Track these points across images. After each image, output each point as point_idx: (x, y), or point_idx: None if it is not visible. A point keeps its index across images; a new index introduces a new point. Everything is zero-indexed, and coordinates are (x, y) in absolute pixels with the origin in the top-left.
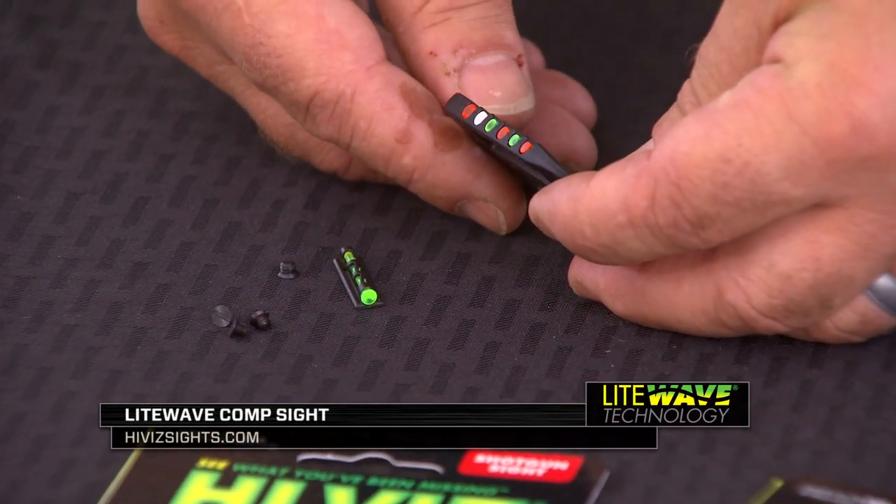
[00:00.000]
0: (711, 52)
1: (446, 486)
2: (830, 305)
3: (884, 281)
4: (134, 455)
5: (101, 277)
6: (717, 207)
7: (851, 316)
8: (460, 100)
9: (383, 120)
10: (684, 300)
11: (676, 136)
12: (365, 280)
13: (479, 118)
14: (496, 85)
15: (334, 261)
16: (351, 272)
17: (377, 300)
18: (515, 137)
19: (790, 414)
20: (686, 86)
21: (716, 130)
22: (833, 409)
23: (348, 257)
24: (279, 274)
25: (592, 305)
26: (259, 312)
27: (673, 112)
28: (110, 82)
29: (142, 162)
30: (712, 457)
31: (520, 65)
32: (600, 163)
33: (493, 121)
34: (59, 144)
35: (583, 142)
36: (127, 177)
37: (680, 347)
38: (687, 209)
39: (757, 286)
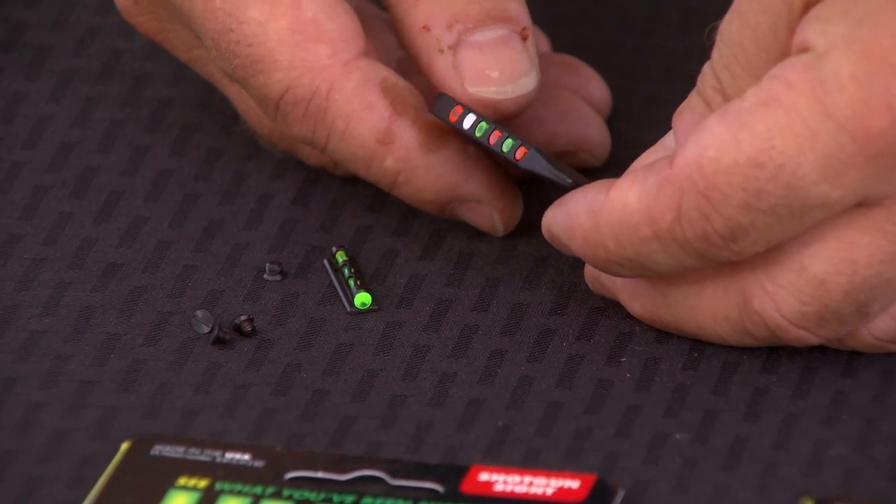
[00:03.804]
0: (735, 29)
1: None
2: (867, 312)
3: None
4: (106, 473)
5: (71, 279)
6: (751, 217)
7: (890, 323)
8: (446, 101)
9: (362, 119)
10: (707, 305)
11: (701, 141)
12: (358, 282)
13: (468, 121)
14: (494, 63)
15: (325, 261)
16: (343, 273)
17: (372, 304)
18: (509, 142)
19: (821, 428)
20: (706, 68)
21: (744, 132)
22: (868, 422)
23: (340, 257)
24: (265, 275)
25: (606, 310)
26: (243, 317)
27: (693, 99)
28: (80, 67)
29: (115, 154)
30: (737, 475)
31: (524, 38)
32: (616, 155)
33: (483, 123)
34: (25, 134)
35: (595, 131)
36: (99, 170)
37: (702, 355)
38: (717, 221)
39: (787, 291)
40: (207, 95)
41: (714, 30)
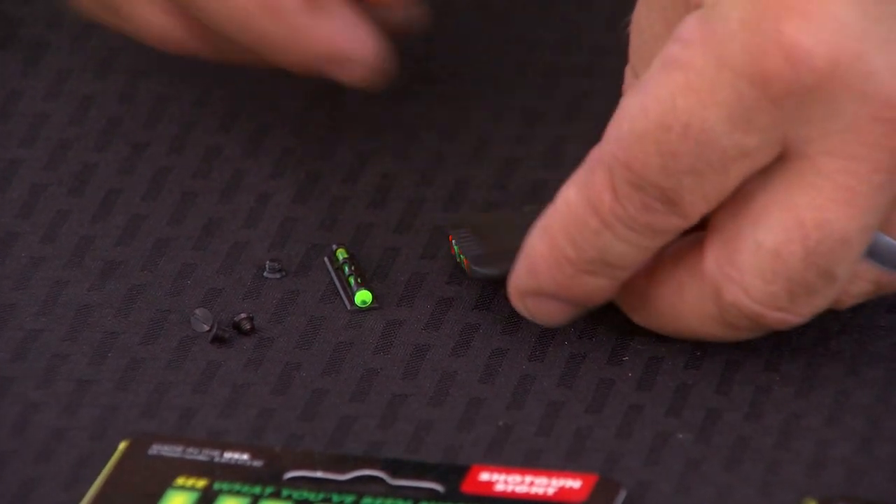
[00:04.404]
0: (644, 16)
1: None
2: (834, 277)
3: (884, 242)
4: (103, 473)
5: (69, 278)
6: (676, 178)
7: (865, 286)
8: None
9: None
10: (689, 308)
11: (617, 118)
12: (359, 280)
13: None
14: None
15: (325, 259)
16: (344, 271)
17: (372, 302)
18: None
19: (824, 428)
20: (627, 71)
21: (649, 99)
22: (871, 422)
23: (341, 255)
24: (265, 273)
25: (608, 308)
26: (242, 316)
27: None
28: (77, 64)
29: (113, 151)
30: (739, 475)
31: None
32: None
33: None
34: (22, 132)
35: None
36: (97, 168)
37: (704, 354)
38: (648, 189)
39: (751, 274)
40: (206, 93)
41: (628, 24)
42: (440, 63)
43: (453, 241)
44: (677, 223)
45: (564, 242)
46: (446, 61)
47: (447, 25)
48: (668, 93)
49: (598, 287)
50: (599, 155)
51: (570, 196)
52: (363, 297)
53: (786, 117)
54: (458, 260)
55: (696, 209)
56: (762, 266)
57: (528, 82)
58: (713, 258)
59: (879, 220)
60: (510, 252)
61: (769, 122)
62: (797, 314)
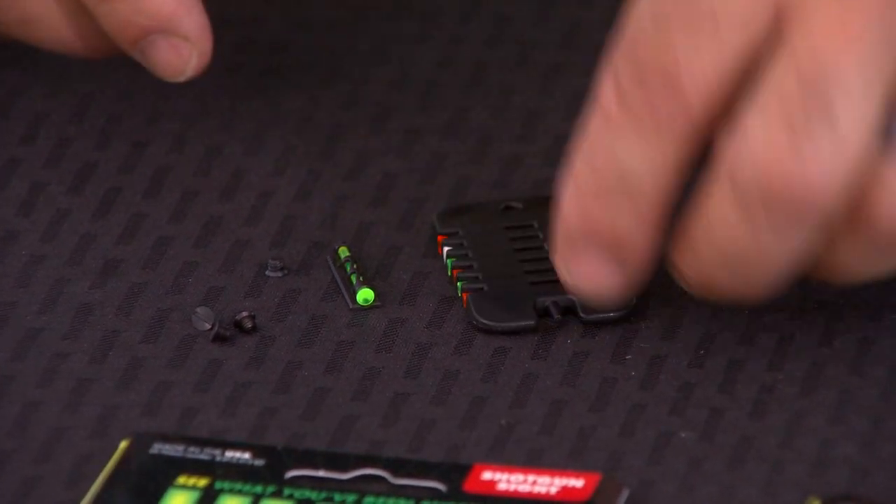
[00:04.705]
0: None
1: None
2: (834, 116)
3: None
4: (104, 473)
5: (70, 276)
6: (671, 48)
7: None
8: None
9: None
10: (714, 217)
11: (620, 30)
12: (361, 278)
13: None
14: None
15: (328, 257)
16: (346, 269)
17: (375, 300)
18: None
19: (828, 427)
20: None
21: None
22: (876, 421)
23: (343, 253)
24: (266, 272)
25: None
26: (244, 314)
27: None
28: (77, 61)
29: (113, 149)
30: (742, 474)
31: None
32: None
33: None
34: (22, 130)
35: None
36: (97, 166)
37: (707, 353)
38: (649, 75)
39: (753, 132)
40: (206, 91)
41: None
42: (441, 60)
43: (444, 249)
44: (681, 113)
45: (585, 170)
46: (447, 58)
47: (447, 24)
48: None
49: (624, 221)
50: (608, 61)
51: (588, 121)
52: (365, 295)
53: None
54: (448, 272)
55: (697, 90)
56: (763, 118)
57: (529, 80)
58: (720, 148)
59: (885, 66)
60: (509, 298)
61: None
62: (801, 162)
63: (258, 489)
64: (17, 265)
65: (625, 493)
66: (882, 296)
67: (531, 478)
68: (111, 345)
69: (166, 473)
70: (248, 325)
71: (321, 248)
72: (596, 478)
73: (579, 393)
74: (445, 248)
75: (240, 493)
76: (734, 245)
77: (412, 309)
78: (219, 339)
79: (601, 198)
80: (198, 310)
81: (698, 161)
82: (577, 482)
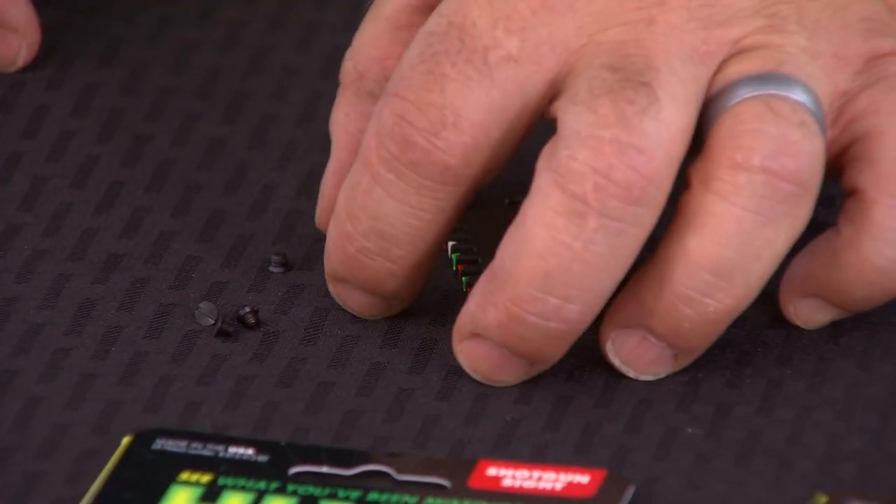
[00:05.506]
0: None
1: (454, 502)
2: (644, 78)
3: None
4: (107, 468)
5: (72, 271)
6: (440, 86)
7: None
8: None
9: None
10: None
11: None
12: None
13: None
14: None
15: None
16: None
17: None
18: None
19: (836, 422)
20: None
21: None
22: (883, 416)
23: None
24: (269, 267)
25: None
26: (247, 309)
27: None
28: (80, 54)
29: (116, 143)
30: (749, 470)
31: None
32: None
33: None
34: (24, 124)
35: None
36: (99, 160)
37: (714, 347)
38: (411, 112)
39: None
40: (209, 84)
41: None
42: None
43: (448, 244)
44: (439, 160)
45: (344, 216)
46: None
47: None
48: (448, 7)
49: (380, 271)
50: (375, 111)
51: (353, 165)
52: None
53: (542, 21)
54: (454, 268)
55: (455, 140)
56: (582, 103)
57: None
58: (542, 160)
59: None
60: None
61: (525, 25)
62: (630, 130)
63: (261, 485)
64: (20, 260)
65: (630, 490)
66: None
67: (536, 474)
68: (114, 340)
69: (169, 469)
70: (252, 320)
71: (324, 244)
72: (601, 474)
73: (585, 388)
74: (450, 244)
75: (243, 489)
76: (559, 254)
77: (416, 303)
78: (222, 334)
79: (358, 249)
80: (201, 305)
81: None
82: (583, 478)
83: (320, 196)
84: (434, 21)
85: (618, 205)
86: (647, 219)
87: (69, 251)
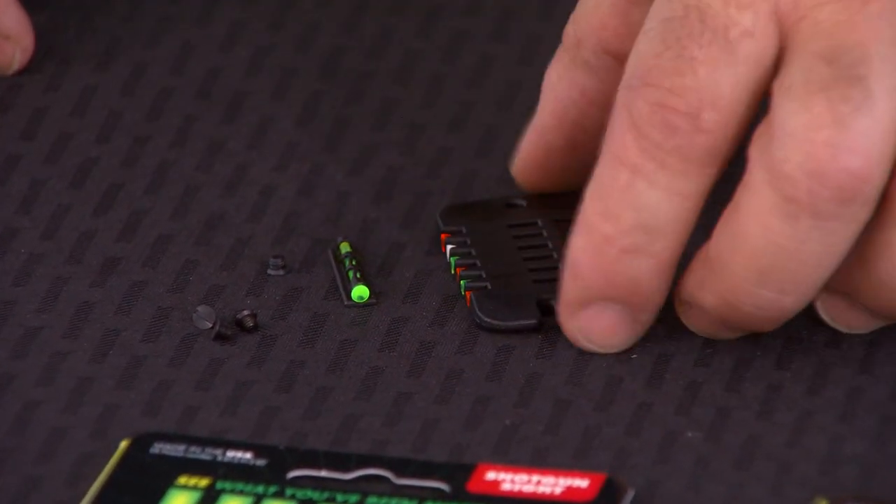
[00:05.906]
0: None
1: None
2: (864, 80)
3: None
4: (104, 472)
5: (70, 274)
6: (689, 70)
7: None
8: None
9: None
10: (752, 220)
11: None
12: (358, 275)
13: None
14: None
15: (329, 252)
16: (344, 265)
17: (370, 297)
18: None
19: (837, 425)
20: None
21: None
22: (885, 419)
23: (344, 248)
24: (268, 270)
25: None
26: (245, 313)
27: None
28: (78, 55)
29: (114, 144)
30: (750, 473)
31: None
32: None
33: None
34: (22, 125)
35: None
36: (98, 161)
37: (715, 351)
38: (667, 98)
39: (784, 116)
40: (209, 84)
41: None
42: (443, 56)
43: (447, 247)
44: (703, 141)
45: (600, 220)
46: (448, 54)
47: (447, 22)
48: None
49: (642, 270)
50: (616, 99)
51: (598, 168)
52: (360, 292)
53: None
54: (452, 271)
55: (715, 119)
56: (797, 99)
57: (533, 76)
58: (752, 157)
59: None
60: (515, 297)
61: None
62: (847, 139)
63: (260, 489)
64: (17, 263)
65: (630, 494)
66: None
67: (535, 478)
68: (111, 344)
69: (167, 473)
70: (250, 323)
71: (324, 246)
72: (601, 478)
73: (584, 392)
74: (449, 246)
75: (241, 493)
76: (774, 252)
77: (415, 307)
78: (220, 337)
79: (620, 250)
80: (199, 308)
81: None
82: (582, 482)
83: (518, 152)
84: (667, 7)
85: (831, 206)
86: (861, 214)
87: (67, 254)
